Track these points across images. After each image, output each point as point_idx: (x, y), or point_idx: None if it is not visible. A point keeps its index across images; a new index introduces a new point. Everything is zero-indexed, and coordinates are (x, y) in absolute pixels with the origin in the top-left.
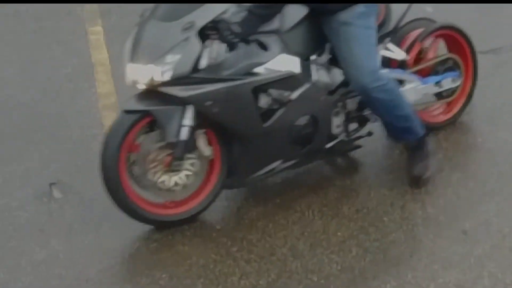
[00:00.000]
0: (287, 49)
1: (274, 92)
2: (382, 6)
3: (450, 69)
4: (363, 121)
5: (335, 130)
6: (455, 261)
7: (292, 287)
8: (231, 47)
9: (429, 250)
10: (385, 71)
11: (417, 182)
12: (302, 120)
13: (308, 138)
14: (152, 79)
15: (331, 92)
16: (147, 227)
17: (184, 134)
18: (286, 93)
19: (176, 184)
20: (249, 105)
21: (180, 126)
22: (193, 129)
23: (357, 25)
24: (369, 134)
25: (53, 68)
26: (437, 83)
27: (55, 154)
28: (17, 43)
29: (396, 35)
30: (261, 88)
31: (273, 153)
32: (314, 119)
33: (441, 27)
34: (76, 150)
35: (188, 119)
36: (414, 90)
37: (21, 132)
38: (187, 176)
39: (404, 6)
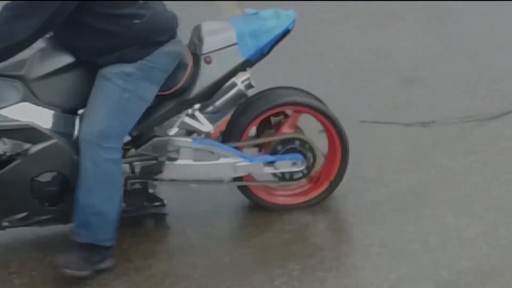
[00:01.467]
0: (34, 99)
1: (8, 141)
2: (182, 72)
3: (295, 150)
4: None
5: None
6: None
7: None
8: None
9: None
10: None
11: (55, 267)
12: (46, 177)
13: (59, 196)
14: None
15: None
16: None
17: None
18: (25, 145)
19: None
20: None
21: None
22: None
23: (114, 83)
24: (162, 205)
25: None
26: (270, 164)
27: None
28: None
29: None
30: None
31: (14, 204)
32: (63, 177)
33: (281, 104)
34: None
35: None
36: (231, 166)
37: None
38: None
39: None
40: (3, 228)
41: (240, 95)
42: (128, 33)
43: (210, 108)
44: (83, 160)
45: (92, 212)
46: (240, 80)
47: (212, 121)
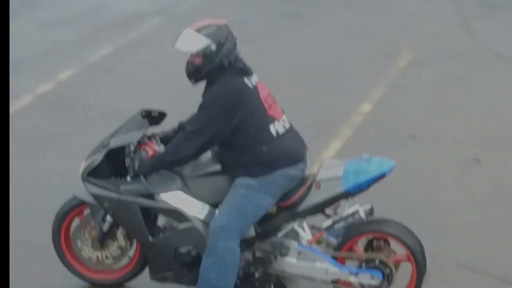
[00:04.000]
0: (187, 190)
1: (163, 218)
2: (297, 191)
3: (377, 267)
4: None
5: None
6: None
7: None
8: (132, 177)
9: None
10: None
11: None
12: (185, 249)
13: (193, 265)
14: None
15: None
16: None
17: (105, 226)
18: (174, 223)
19: (106, 258)
20: (135, 219)
21: (104, 219)
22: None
23: (238, 191)
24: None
25: None
26: (355, 274)
27: None
28: None
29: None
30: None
31: (165, 263)
32: (197, 253)
33: (375, 231)
34: None
35: (110, 216)
36: (324, 270)
37: None
38: (111, 254)
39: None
40: (165, 281)
41: (360, 219)
42: (255, 155)
43: (335, 228)
44: (208, 243)
45: (209, 284)
46: (363, 209)
47: (335, 235)
